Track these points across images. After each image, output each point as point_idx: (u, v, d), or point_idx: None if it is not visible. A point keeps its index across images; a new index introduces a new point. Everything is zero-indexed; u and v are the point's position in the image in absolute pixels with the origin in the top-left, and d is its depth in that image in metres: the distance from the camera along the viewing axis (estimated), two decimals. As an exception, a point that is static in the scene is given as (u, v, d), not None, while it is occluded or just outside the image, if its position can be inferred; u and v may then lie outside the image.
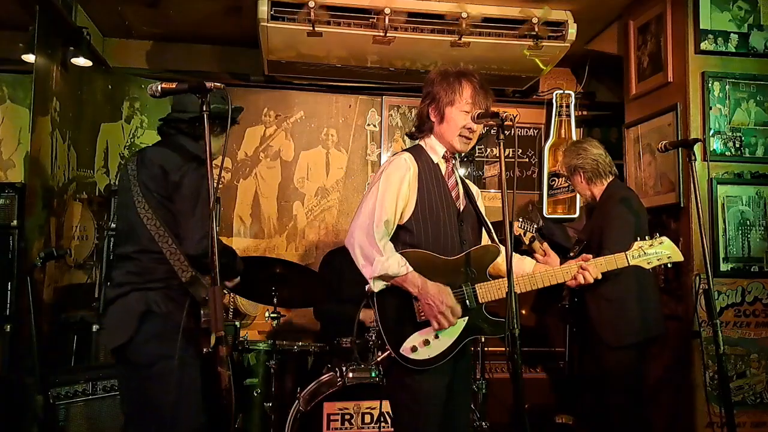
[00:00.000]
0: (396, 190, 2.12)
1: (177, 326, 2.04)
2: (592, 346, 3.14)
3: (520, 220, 3.32)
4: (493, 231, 2.29)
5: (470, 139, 2.19)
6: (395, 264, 2.03)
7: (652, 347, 3.13)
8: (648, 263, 2.28)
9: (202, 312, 2.02)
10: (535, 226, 3.61)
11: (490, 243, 2.27)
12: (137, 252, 2.16)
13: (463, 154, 2.43)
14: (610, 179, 3.09)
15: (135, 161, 2.27)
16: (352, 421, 2.99)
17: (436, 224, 2.14)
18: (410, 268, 2.04)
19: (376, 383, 2.93)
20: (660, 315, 3.03)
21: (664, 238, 2.29)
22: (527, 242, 3.06)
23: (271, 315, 3.21)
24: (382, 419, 2.95)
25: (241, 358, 3.37)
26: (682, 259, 2.30)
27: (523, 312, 4.07)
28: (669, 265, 2.32)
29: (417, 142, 2.28)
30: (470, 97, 2.16)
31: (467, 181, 2.39)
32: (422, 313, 2.07)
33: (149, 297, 2.11)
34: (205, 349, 2.01)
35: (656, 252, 2.28)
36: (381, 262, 2.02)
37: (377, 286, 2.06)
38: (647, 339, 2.93)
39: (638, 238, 2.32)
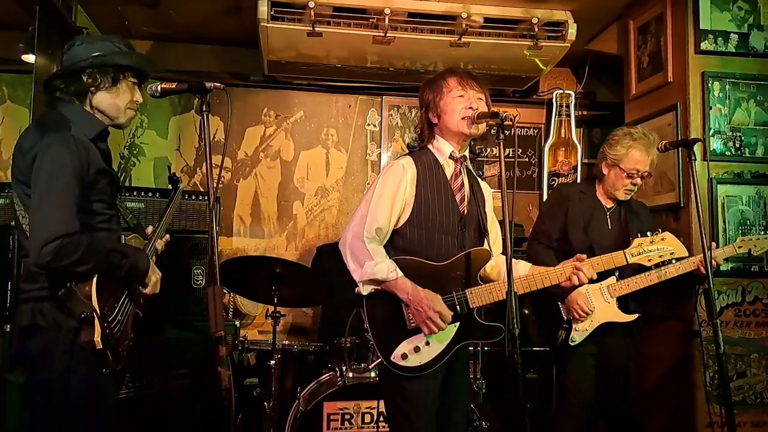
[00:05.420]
0: (391, 197, 2.12)
1: (67, 340, 1.75)
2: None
3: None
4: (489, 235, 2.24)
5: (475, 120, 2.10)
6: (384, 269, 2.04)
7: None
8: (649, 260, 2.15)
9: (83, 332, 1.73)
10: None
11: (482, 247, 2.21)
12: (22, 256, 1.87)
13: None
14: None
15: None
16: (352, 420, 2.99)
17: (432, 230, 2.13)
18: (400, 274, 2.05)
19: (375, 383, 2.93)
20: None
21: (666, 234, 2.16)
22: None
23: (271, 315, 3.21)
24: (381, 419, 2.95)
25: (241, 358, 3.37)
26: (687, 254, 2.15)
27: (525, 311, 4.06)
28: (673, 261, 2.20)
29: (425, 145, 2.24)
30: (458, 83, 2.18)
31: (482, 181, 2.37)
32: (412, 321, 2.07)
33: (35, 308, 1.81)
34: (104, 369, 1.77)
35: (658, 248, 2.15)
36: (370, 267, 2.04)
37: (366, 290, 2.08)
38: None
39: (639, 235, 2.21)
